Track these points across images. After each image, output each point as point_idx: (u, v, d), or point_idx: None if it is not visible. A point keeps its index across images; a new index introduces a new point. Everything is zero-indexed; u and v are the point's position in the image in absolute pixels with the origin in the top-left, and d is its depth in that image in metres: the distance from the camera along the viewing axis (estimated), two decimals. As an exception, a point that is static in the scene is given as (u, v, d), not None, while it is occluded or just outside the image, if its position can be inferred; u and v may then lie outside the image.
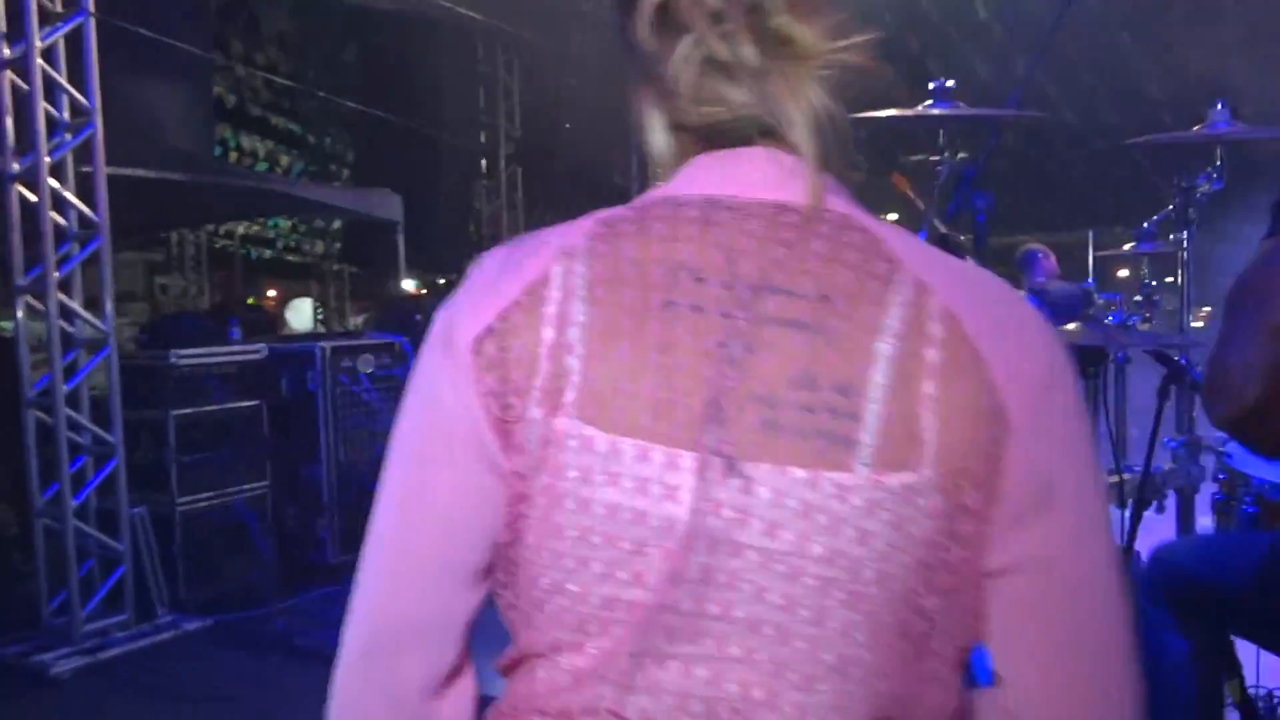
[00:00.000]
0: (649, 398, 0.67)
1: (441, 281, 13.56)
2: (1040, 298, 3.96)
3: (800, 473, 0.66)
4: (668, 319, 0.68)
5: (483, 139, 10.55)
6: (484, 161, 10.69)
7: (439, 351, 0.74)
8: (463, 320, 0.73)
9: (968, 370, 0.67)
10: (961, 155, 2.48)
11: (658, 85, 0.75)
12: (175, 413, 4.74)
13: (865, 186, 0.74)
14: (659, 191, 0.75)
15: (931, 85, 2.55)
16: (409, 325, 6.03)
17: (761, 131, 0.73)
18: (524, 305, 0.70)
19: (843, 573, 0.66)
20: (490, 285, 0.73)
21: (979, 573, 0.69)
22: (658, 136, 0.77)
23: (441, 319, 0.75)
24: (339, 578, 5.15)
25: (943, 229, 2.12)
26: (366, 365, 5.45)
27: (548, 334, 0.69)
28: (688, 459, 0.67)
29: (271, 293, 14.19)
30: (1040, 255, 5.41)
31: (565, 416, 0.68)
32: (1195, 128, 2.68)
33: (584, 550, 0.68)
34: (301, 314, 12.48)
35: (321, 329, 11.56)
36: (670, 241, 0.70)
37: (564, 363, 0.68)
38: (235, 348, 5.20)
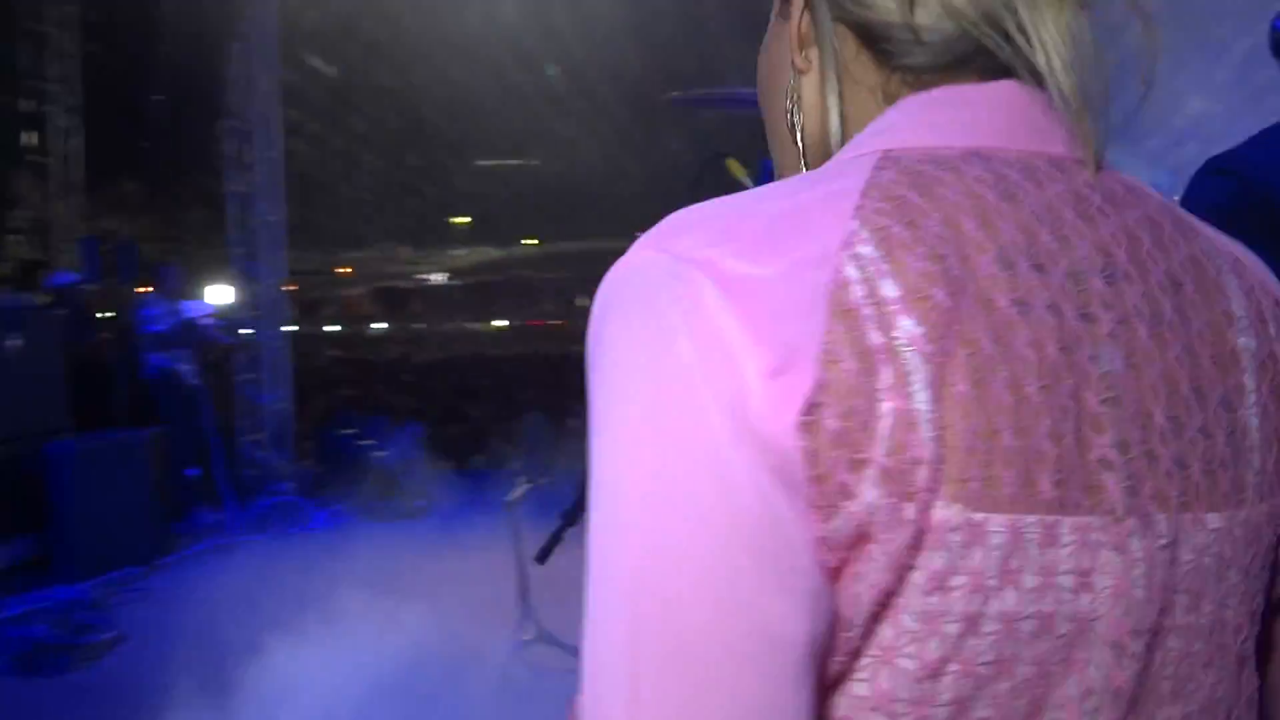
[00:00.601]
0: (1039, 450, 0.46)
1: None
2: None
3: (1215, 519, 0.51)
4: (1030, 329, 0.47)
5: (24, 107, 8.78)
6: (31, 135, 8.93)
7: (733, 440, 0.44)
8: (754, 367, 0.44)
9: None
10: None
11: None
12: None
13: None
14: (884, 139, 0.53)
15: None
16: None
17: (966, 58, 0.54)
18: (841, 336, 0.45)
19: (1251, 641, 0.53)
20: (778, 303, 0.45)
21: None
22: (825, 38, 0.57)
23: (684, 367, 0.45)
24: None
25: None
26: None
27: (885, 375, 0.44)
28: (1100, 530, 0.47)
29: None
30: None
31: (941, 499, 0.45)
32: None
33: (967, 690, 0.46)
34: None
35: None
36: (980, 216, 0.48)
37: (919, 418, 0.45)
38: None
